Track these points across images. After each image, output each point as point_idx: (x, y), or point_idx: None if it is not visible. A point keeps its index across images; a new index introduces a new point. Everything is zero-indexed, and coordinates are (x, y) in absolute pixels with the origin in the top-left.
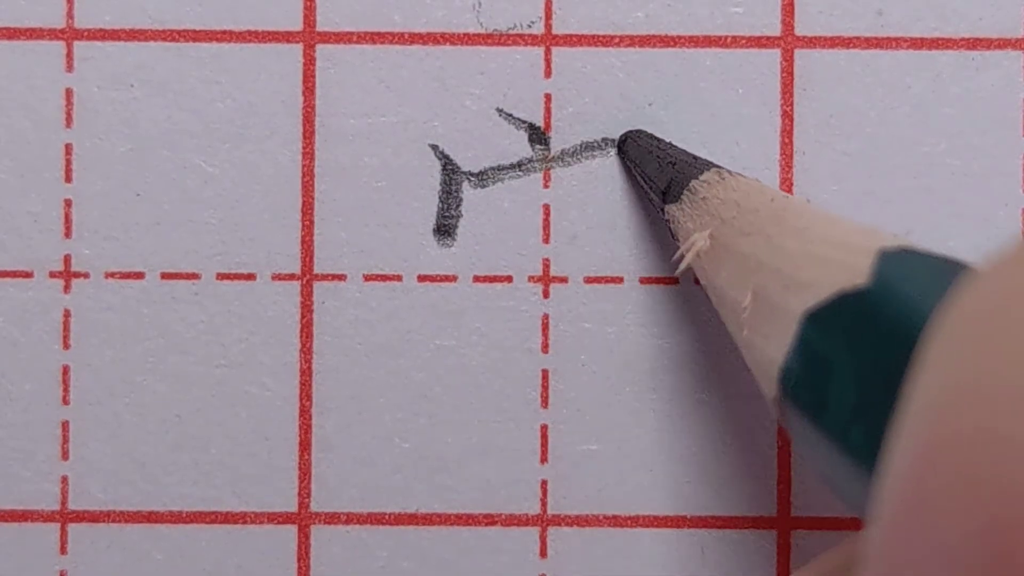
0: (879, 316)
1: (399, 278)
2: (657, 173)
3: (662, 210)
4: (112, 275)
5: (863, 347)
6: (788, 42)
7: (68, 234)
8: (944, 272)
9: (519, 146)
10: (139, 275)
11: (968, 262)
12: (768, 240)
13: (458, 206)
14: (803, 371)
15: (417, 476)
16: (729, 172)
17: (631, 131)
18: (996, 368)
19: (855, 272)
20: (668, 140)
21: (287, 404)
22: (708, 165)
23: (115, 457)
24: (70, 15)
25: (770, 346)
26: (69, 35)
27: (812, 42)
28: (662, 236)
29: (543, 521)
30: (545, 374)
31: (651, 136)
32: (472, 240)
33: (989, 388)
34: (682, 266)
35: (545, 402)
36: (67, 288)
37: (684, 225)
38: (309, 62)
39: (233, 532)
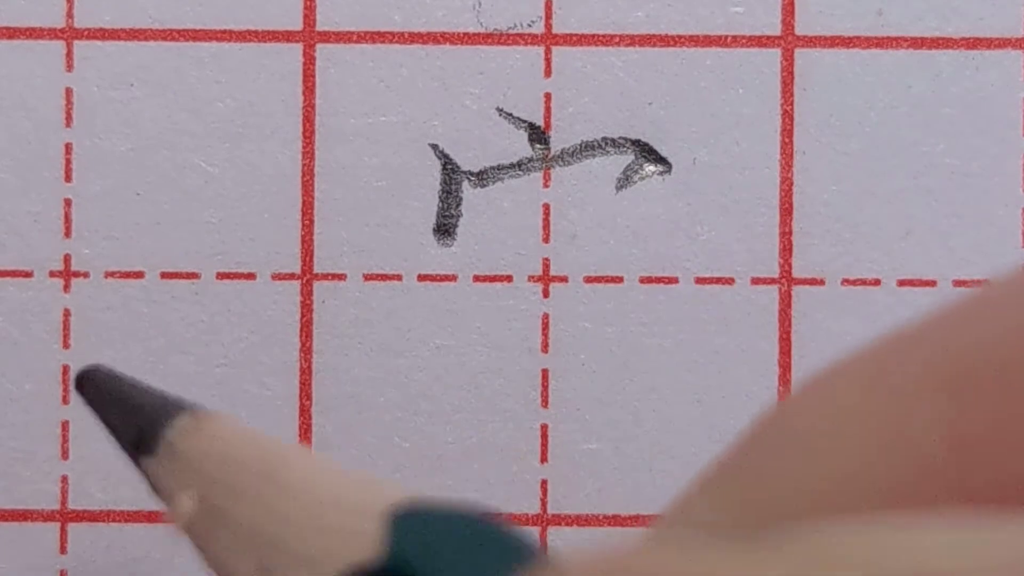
0: None
1: (399, 278)
2: (123, 422)
3: (138, 464)
4: (112, 275)
5: None
6: (788, 42)
7: (68, 234)
8: (458, 532)
9: (519, 146)
10: (139, 275)
11: (472, 515)
12: (265, 504)
13: (458, 206)
14: None
15: (417, 476)
16: (207, 414)
17: (86, 370)
18: None
19: (363, 542)
20: (127, 376)
21: (287, 404)
22: (179, 407)
23: (115, 457)
24: (70, 15)
25: None
26: (69, 35)
27: (812, 42)
28: (662, 236)
29: (543, 521)
30: (545, 374)
31: (109, 375)
32: (472, 240)
33: None
34: (174, 535)
35: (545, 402)
36: (67, 288)
37: (165, 483)
38: (309, 62)
39: None
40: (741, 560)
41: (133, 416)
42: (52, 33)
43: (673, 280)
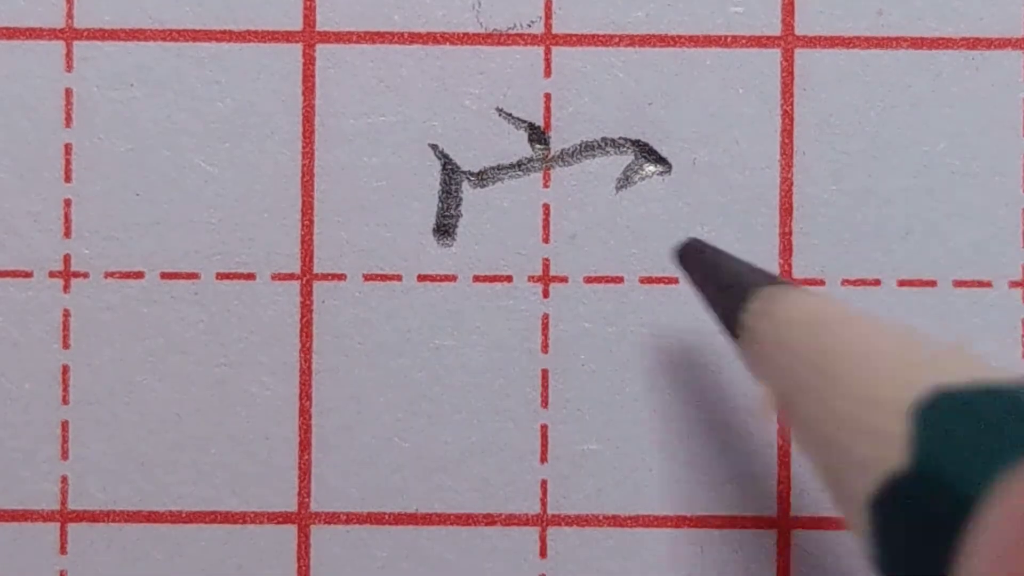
0: (930, 497)
1: (399, 278)
2: (712, 299)
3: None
4: (112, 275)
5: (928, 528)
6: (788, 42)
7: (68, 234)
8: (982, 422)
9: (519, 146)
10: (139, 275)
11: (1006, 389)
12: (819, 400)
13: (458, 206)
14: (885, 556)
15: (417, 476)
16: (774, 293)
17: (687, 244)
18: None
19: (895, 445)
20: (715, 248)
21: (287, 404)
22: (756, 283)
23: (115, 457)
24: (70, 15)
25: (856, 530)
26: (69, 35)
27: (812, 42)
28: (662, 236)
29: (543, 521)
30: (545, 374)
31: (703, 248)
32: (472, 240)
33: None
34: (765, 425)
35: (545, 402)
36: (67, 288)
37: (750, 364)
38: (309, 62)
39: (233, 532)
40: None
41: (719, 297)
42: (52, 33)
43: (673, 280)
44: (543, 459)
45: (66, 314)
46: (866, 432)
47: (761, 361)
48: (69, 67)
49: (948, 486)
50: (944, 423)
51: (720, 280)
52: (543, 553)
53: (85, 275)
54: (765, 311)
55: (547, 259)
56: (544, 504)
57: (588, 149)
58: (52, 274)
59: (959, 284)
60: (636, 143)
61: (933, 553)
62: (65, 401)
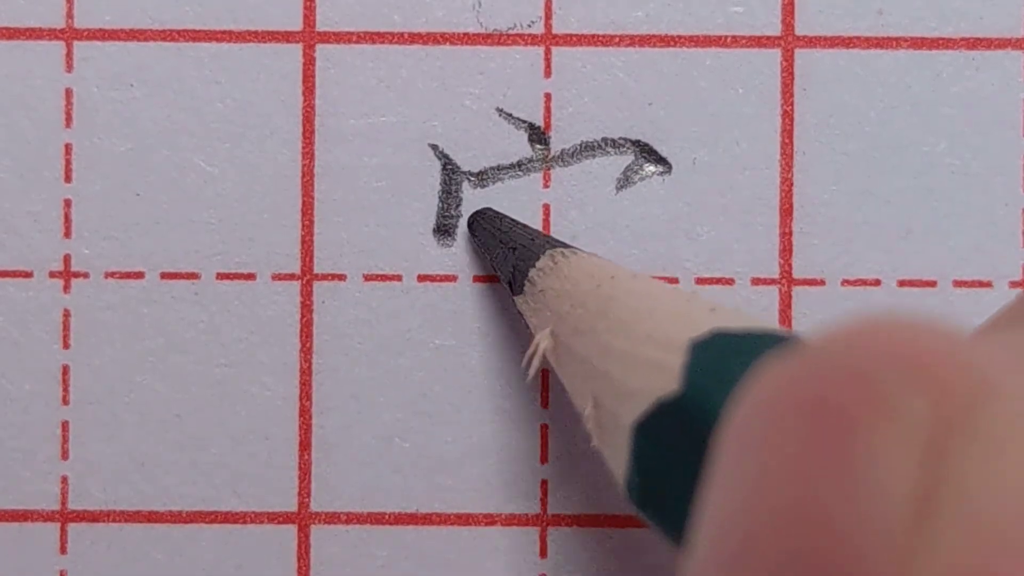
0: (694, 421)
1: (399, 278)
2: (502, 261)
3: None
4: (112, 275)
5: (687, 453)
6: (788, 42)
7: (68, 234)
8: (750, 358)
9: (519, 146)
10: (139, 275)
11: (778, 335)
12: (598, 339)
13: (458, 206)
14: (642, 483)
15: (417, 476)
16: (564, 253)
17: (477, 211)
18: (772, 458)
19: (669, 375)
20: (511, 218)
21: (287, 404)
22: (544, 247)
23: (115, 457)
24: (70, 15)
25: (614, 458)
26: (69, 35)
27: (812, 42)
28: (662, 236)
29: (543, 521)
30: (545, 374)
31: (495, 216)
32: (472, 240)
33: (771, 486)
34: (530, 374)
35: (545, 402)
36: (67, 288)
37: (530, 320)
38: (309, 62)
39: (233, 532)
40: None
41: (509, 255)
42: (52, 33)
43: (673, 280)
44: (543, 459)
45: (66, 314)
46: (643, 364)
47: (542, 310)
48: (69, 67)
49: (709, 408)
50: (717, 357)
51: (511, 242)
52: (543, 553)
53: (85, 275)
54: (552, 267)
55: None
56: (544, 504)
57: (588, 149)
58: (52, 274)
59: (959, 284)
60: (636, 143)
61: (688, 474)
62: (65, 401)
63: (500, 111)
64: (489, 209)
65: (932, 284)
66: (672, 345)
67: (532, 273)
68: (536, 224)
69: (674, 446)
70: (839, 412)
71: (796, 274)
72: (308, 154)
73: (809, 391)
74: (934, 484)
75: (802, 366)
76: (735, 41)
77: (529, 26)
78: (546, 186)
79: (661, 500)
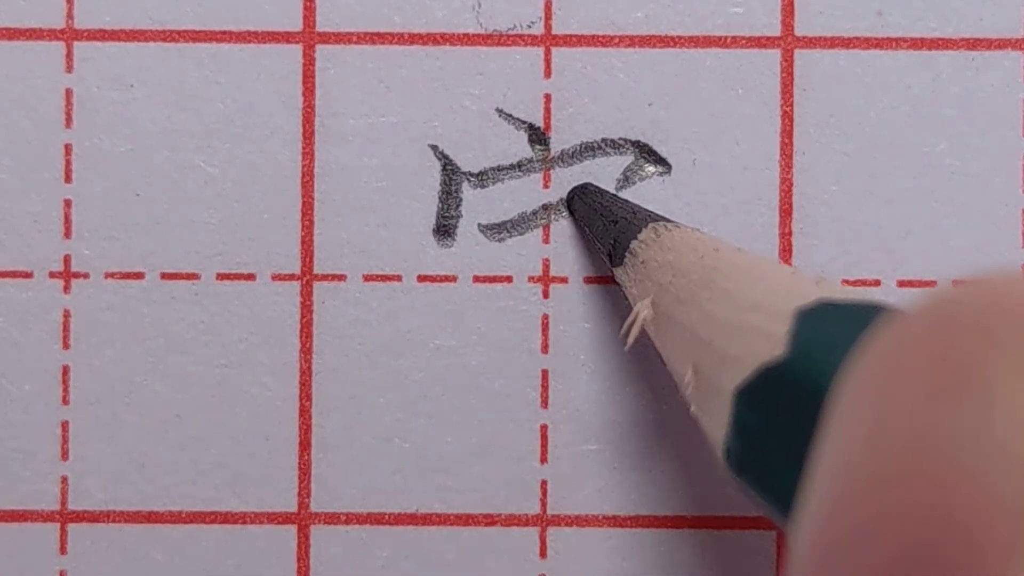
0: (800, 386)
1: (399, 278)
2: (602, 233)
3: (612, 274)
4: (112, 275)
5: (792, 419)
6: (788, 42)
7: (68, 234)
8: (858, 325)
9: (519, 146)
10: (139, 275)
11: (884, 305)
12: (700, 309)
13: (458, 206)
14: (742, 449)
15: (417, 476)
16: (667, 226)
17: (578, 186)
18: (898, 417)
19: (774, 342)
20: (612, 193)
21: (287, 404)
22: (647, 220)
23: (115, 457)
24: (70, 15)
25: (713, 424)
26: (69, 35)
27: (812, 42)
28: None
29: (543, 521)
30: (545, 374)
31: (597, 190)
32: (472, 240)
33: (895, 434)
34: (629, 341)
35: (545, 402)
36: (67, 288)
37: (630, 291)
38: (309, 62)
39: (233, 532)
40: None
41: (610, 228)
42: (52, 33)
43: None
44: (543, 459)
45: (66, 314)
46: (746, 331)
47: (643, 280)
48: (69, 67)
49: (816, 374)
50: (823, 325)
51: (612, 215)
52: (543, 553)
53: (85, 275)
54: (654, 239)
55: (547, 259)
56: (544, 504)
57: (588, 149)
58: (52, 274)
59: (959, 284)
60: (636, 143)
61: (792, 441)
62: (65, 401)
63: (500, 111)
64: (590, 184)
65: (932, 284)
66: (777, 313)
67: (634, 244)
68: (536, 226)
69: (777, 413)
70: (963, 363)
71: None
72: (308, 154)
73: (934, 342)
74: None
75: (925, 320)
76: (735, 41)
77: (529, 26)
78: (546, 186)
79: (761, 467)
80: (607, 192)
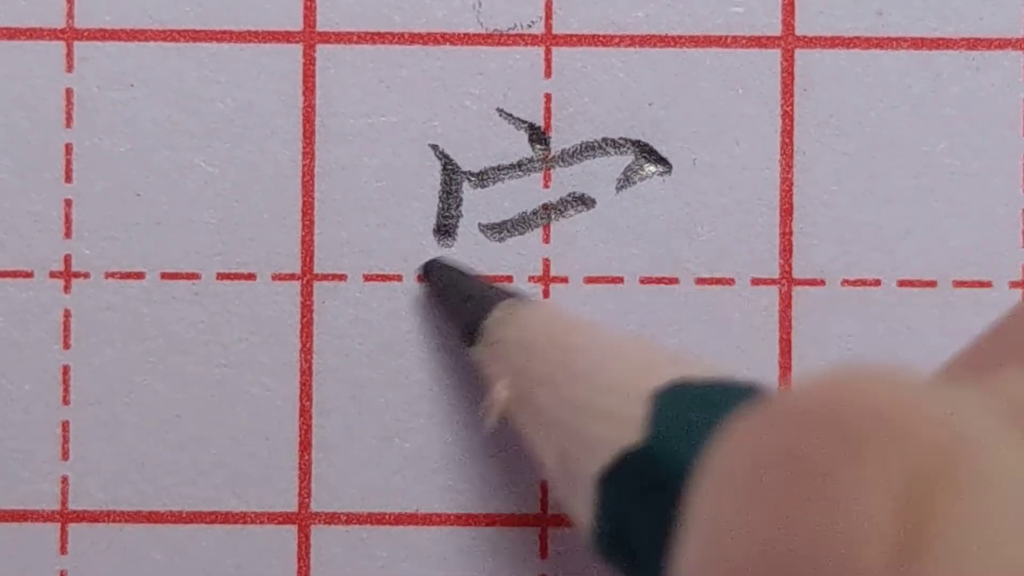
0: (659, 471)
1: (399, 278)
2: (456, 311)
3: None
4: (112, 275)
5: (653, 503)
6: (788, 42)
7: (68, 234)
8: (714, 407)
9: (519, 146)
10: (139, 275)
11: (739, 384)
12: (558, 391)
13: (458, 206)
14: (608, 533)
15: (417, 476)
16: (520, 302)
17: (431, 260)
18: (747, 518)
19: (632, 426)
20: (463, 270)
21: (287, 404)
22: (500, 297)
23: (115, 457)
24: (70, 15)
25: (579, 509)
26: (69, 35)
27: (812, 42)
28: (662, 236)
29: (543, 521)
30: None
31: (449, 266)
32: (472, 240)
33: (752, 531)
34: (488, 424)
35: None
36: (67, 288)
37: (486, 371)
38: (309, 62)
39: (233, 532)
40: (938, 394)
41: (464, 306)
42: (52, 33)
43: (673, 280)
44: None
45: (66, 314)
46: (604, 415)
47: (498, 362)
48: (69, 67)
49: (675, 458)
50: (680, 407)
51: (465, 292)
52: (543, 553)
53: (85, 275)
54: (508, 318)
55: (547, 259)
56: (544, 504)
57: (588, 149)
58: (52, 274)
59: (959, 284)
60: (636, 143)
61: (656, 524)
62: (65, 401)
63: (500, 111)
64: (443, 258)
65: (932, 284)
66: (634, 395)
67: (487, 323)
68: (536, 225)
69: (639, 496)
70: (815, 462)
71: (796, 274)
72: (308, 154)
73: (787, 438)
74: (910, 538)
75: (779, 415)
76: (735, 41)
77: (529, 26)
78: (546, 186)
79: (628, 550)
80: (461, 267)
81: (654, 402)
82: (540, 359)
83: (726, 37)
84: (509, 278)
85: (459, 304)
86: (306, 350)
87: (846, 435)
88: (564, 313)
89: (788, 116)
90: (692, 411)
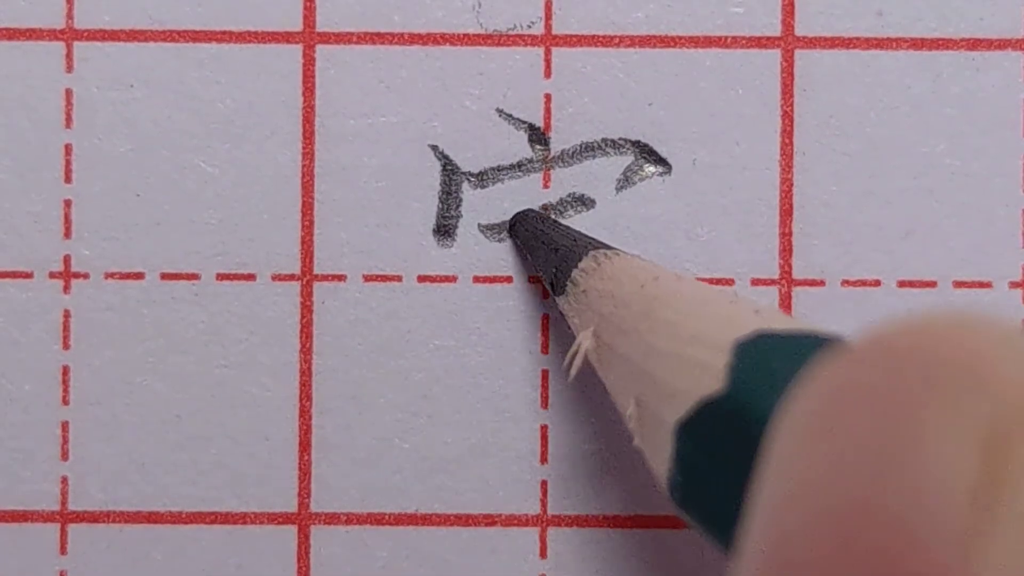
0: (740, 421)
1: (399, 278)
2: (544, 262)
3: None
4: (112, 275)
5: (733, 453)
6: (788, 42)
7: (68, 234)
8: (797, 358)
9: (519, 146)
10: (139, 275)
11: (824, 335)
12: (641, 340)
13: (458, 206)
14: (685, 483)
15: (417, 476)
16: (607, 254)
17: (520, 212)
18: (837, 453)
19: (713, 375)
20: (554, 219)
21: (287, 404)
22: (588, 248)
23: (115, 457)
24: (70, 15)
25: (656, 457)
26: (69, 35)
27: (812, 42)
28: (662, 236)
29: (543, 521)
30: (545, 374)
31: (538, 216)
32: (472, 240)
33: (838, 477)
34: (572, 373)
35: (545, 402)
36: (67, 288)
37: (573, 320)
38: (309, 62)
39: (233, 532)
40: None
41: (552, 256)
42: (52, 33)
43: None
44: (543, 459)
45: (66, 315)
46: (686, 364)
47: (585, 310)
48: (69, 67)
49: (755, 408)
50: (762, 358)
51: (553, 243)
52: (543, 553)
53: (85, 275)
54: (595, 268)
55: None
56: (544, 504)
57: (588, 149)
58: (52, 274)
59: (959, 284)
60: (636, 143)
61: (734, 475)
62: (65, 401)
63: (500, 111)
64: (531, 210)
65: (932, 284)
66: (716, 345)
67: (575, 273)
68: None
69: (718, 446)
70: (902, 403)
71: (796, 274)
72: (308, 154)
73: (871, 382)
74: (994, 480)
75: (863, 360)
76: (735, 41)
77: (529, 26)
78: (546, 186)
79: (704, 500)
80: (548, 219)
81: (736, 352)
82: (625, 308)
83: (726, 37)
84: (509, 278)
85: (547, 255)
86: (306, 350)
87: (930, 380)
88: (652, 264)
89: (788, 116)
90: (774, 361)
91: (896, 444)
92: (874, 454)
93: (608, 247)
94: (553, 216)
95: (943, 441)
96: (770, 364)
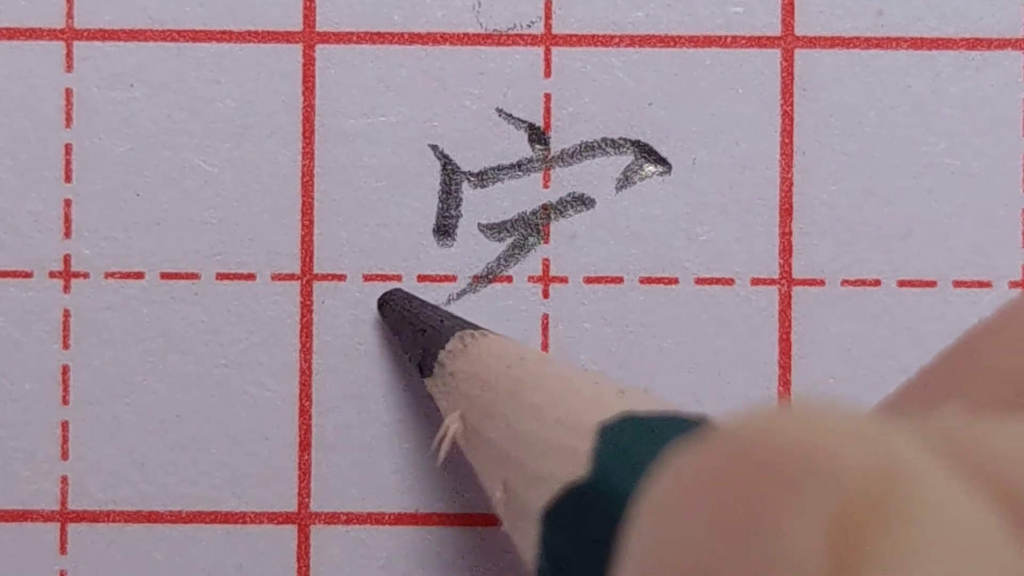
0: (603, 507)
1: (399, 278)
2: (411, 343)
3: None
4: (112, 275)
5: (596, 539)
6: (788, 42)
7: (68, 234)
8: (659, 442)
9: (519, 146)
10: (139, 275)
11: (686, 417)
12: (508, 425)
13: (458, 206)
14: (552, 569)
15: (417, 476)
16: (473, 334)
17: (387, 292)
18: (685, 549)
19: (577, 460)
20: (420, 300)
21: (287, 404)
22: (454, 329)
23: (115, 457)
24: (70, 15)
25: (523, 543)
26: (69, 35)
27: (812, 42)
28: (662, 236)
29: None
30: None
31: (405, 297)
32: (472, 240)
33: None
34: (440, 457)
35: None
36: (67, 288)
37: (440, 403)
38: (309, 62)
39: (233, 532)
40: (871, 427)
41: (418, 337)
42: (52, 33)
43: (673, 280)
44: None
45: (66, 314)
46: (552, 449)
47: (452, 392)
48: (69, 67)
49: (618, 492)
50: (625, 441)
51: (420, 324)
52: None
53: (85, 275)
54: (461, 349)
55: (547, 259)
56: None
57: (588, 149)
58: (52, 274)
59: (959, 284)
60: (636, 143)
61: (597, 559)
62: (65, 401)
63: (500, 111)
64: (398, 290)
65: (932, 284)
66: (581, 429)
67: (442, 355)
68: (535, 225)
69: (583, 532)
70: (749, 496)
71: (796, 274)
72: (308, 154)
73: (723, 473)
74: (845, 568)
75: (715, 449)
76: (735, 41)
77: (529, 26)
78: (546, 186)
79: None
80: (416, 299)
81: (600, 436)
82: (491, 391)
83: (726, 37)
84: (509, 279)
85: (415, 336)
86: (306, 350)
87: (780, 470)
88: (518, 345)
89: (788, 116)
90: (637, 444)
91: (747, 535)
92: (726, 544)
93: (475, 327)
94: (553, 216)
95: (792, 533)
96: (633, 448)
